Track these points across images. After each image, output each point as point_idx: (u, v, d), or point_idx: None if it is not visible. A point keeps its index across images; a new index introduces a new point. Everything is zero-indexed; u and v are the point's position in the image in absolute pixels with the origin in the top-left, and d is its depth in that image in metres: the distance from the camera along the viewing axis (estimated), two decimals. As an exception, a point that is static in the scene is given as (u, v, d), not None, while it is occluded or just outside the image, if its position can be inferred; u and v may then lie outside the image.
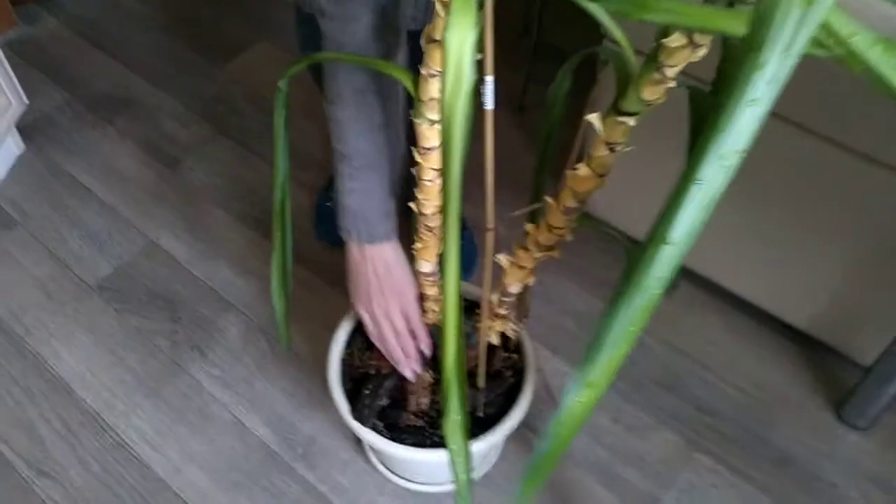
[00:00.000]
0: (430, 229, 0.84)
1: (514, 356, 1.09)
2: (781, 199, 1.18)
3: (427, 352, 1.01)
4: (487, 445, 1.04)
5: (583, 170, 0.72)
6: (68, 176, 1.62)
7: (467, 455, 0.67)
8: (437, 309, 0.99)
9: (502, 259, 0.88)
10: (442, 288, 0.99)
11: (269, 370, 1.33)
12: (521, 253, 0.86)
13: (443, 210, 0.57)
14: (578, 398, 0.44)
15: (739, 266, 1.31)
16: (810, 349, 1.34)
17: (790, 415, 1.27)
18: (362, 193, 0.90)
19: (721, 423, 1.26)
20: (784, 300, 1.30)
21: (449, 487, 1.19)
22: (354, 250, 0.96)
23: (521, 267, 0.88)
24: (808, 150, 1.08)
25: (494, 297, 0.94)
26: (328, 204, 1.49)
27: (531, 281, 0.90)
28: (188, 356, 1.35)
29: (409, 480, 1.18)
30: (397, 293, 0.96)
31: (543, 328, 1.36)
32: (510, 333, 1.00)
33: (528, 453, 1.23)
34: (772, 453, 1.23)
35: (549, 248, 0.83)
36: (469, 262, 1.41)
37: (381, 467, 1.20)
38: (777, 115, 1.11)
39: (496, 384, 1.05)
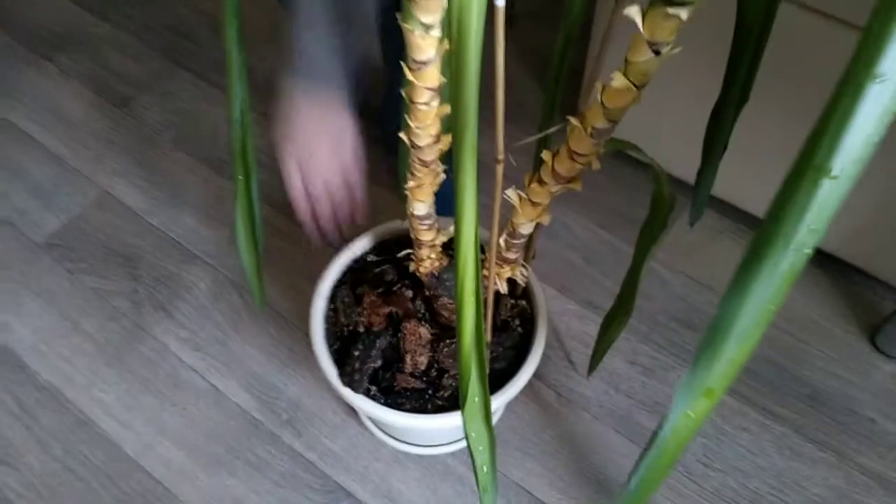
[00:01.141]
0: (425, 164, 0.70)
1: (522, 303, 0.95)
2: (812, 110, 1.05)
3: (361, 220, 0.82)
4: (497, 406, 0.92)
5: (618, 80, 0.57)
6: (6, 122, 1.44)
7: (492, 444, 0.54)
8: (434, 256, 0.85)
9: (512, 195, 0.74)
10: (439, 231, 0.85)
11: (245, 328, 1.19)
12: (534, 187, 0.72)
13: (455, 139, 0.42)
14: (690, 411, 0.31)
15: (766, 189, 1.18)
16: (841, 274, 1.23)
17: (821, 346, 1.16)
18: (305, 25, 0.69)
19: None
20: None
21: (453, 448, 1.07)
22: (288, 87, 0.75)
23: (535, 203, 0.74)
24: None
25: (501, 240, 0.80)
26: (298, 138, 1.32)
27: (546, 219, 0.76)
28: (152, 318, 1.20)
29: (409, 443, 1.07)
30: (334, 135, 0.75)
31: (548, 265, 1.23)
32: (519, 279, 0.87)
33: (536, 403, 1.11)
34: (803, 389, 1.13)
35: (570, 180, 0.69)
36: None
37: (375, 431, 1.08)
38: (817, 12, 0.97)
39: (504, 337, 0.92)
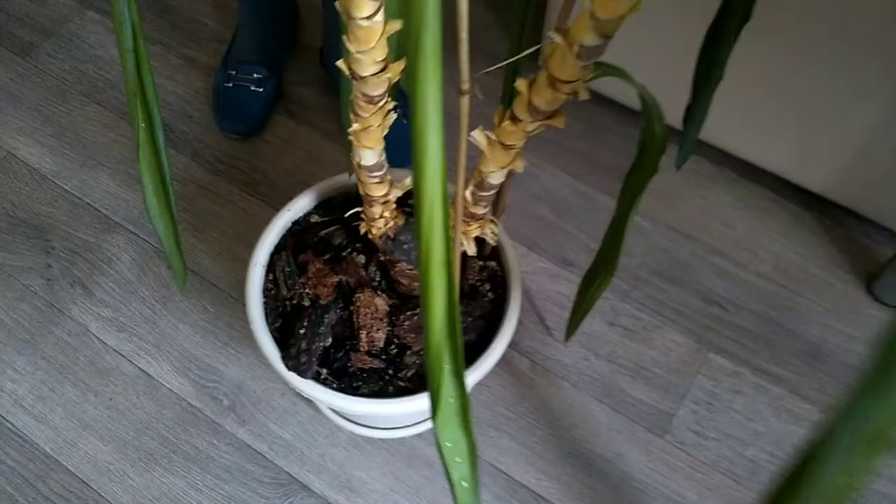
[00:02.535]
0: (371, 100, 0.56)
1: (492, 264, 0.83)
2: (804, 42, 0.93)
3: None
4: (470, 384, 0.80)
5: (617, -22, 0.44)
6: None
7: (473, 453, 0.42)
8: (388, 215, 0.72)
9: (479, 137, 0.61)
10: (392, 185, 0.72)
11: (176, 304, 1.05)
12: (507, 126, 0.59)
13: (410, 49, 0.29)
14: (846, 474, 0.18)
15: (751, 129, 1.07)
16: (834, 219, 1.12)
17: (816, 297, 1.06)
18: None
19: (737, 316, 1.05)
20: (803, 162, 1.07)
21: (418, 429, 0.95)
22: None
23: (507, 146, 0.61)
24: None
25: (468, 193, 0.68)
26: (228, 84, 1.17)
27: (519, 166, 0.63)
28: (68, 295, 1.05)
29: (369, 427, 0.94)
30: None
31: (514, 219, 1.11)
32: (489, 238, 0.74)
33: (509, 374, 1.00)
34: (799, 345, 1.03)
35: (551, 116, 0.56)
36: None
37: (330, 414, 0.96)
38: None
39: (473, 305, 0.80)
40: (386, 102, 0.58)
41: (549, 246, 1.10)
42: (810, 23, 0.92)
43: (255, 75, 1.17)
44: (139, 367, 1.00)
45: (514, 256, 0.82)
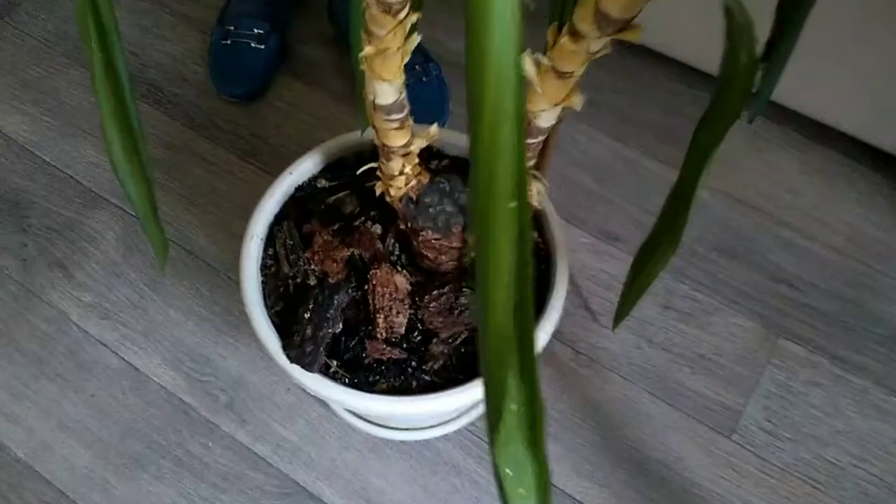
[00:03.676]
0: (388, 8, 0.43)
1: (532, 234, 0.70)
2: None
3: None
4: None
5: None
6: None
7: (543, 485, 0.29)
8: (409, 171, 0.58)
9: (528, 63, 0.47)
10: (415, 134, 0.58)
11: (167, 287, 0.92)
12: (565, 44, 0.45)
13: None
14: None
15: (822, 84, 0.93)
16: (917, 182, 0.99)
17: (899, 274, 0.93)
18: None
19: (809, 296, 0.91)
20: (881, 121, 0.93)
21: (445, 430, 0.82)
22: None
23: (562, 75, 0.48)
24: None
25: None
26: (226, 42, 1.04)
27: (577, 102, 0.50)
28: (46, 278, 0.93)
29: (388, 428, 0.82)
30: None
31: (552, 187, 0.97)
32: (534, 199, 0.61)
33: (550, 365, 0.87)
34: (884, 330, 0.89)
35: (625, 26, 0.43)
36: (438, 106, 1.00)
37: (344, 413, 0.83)
38: None
39: (512, 282, 0.66)
40: (407, 15, 0.45)
41: (590, 218, 0.96)
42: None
43: (255, 31, 1.04)
44: (125, 360, 0.88)
45: (560, 225, 0.68)
